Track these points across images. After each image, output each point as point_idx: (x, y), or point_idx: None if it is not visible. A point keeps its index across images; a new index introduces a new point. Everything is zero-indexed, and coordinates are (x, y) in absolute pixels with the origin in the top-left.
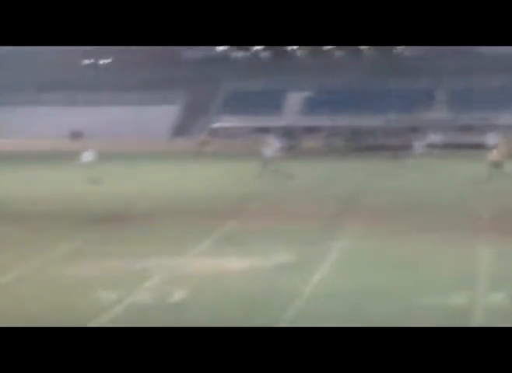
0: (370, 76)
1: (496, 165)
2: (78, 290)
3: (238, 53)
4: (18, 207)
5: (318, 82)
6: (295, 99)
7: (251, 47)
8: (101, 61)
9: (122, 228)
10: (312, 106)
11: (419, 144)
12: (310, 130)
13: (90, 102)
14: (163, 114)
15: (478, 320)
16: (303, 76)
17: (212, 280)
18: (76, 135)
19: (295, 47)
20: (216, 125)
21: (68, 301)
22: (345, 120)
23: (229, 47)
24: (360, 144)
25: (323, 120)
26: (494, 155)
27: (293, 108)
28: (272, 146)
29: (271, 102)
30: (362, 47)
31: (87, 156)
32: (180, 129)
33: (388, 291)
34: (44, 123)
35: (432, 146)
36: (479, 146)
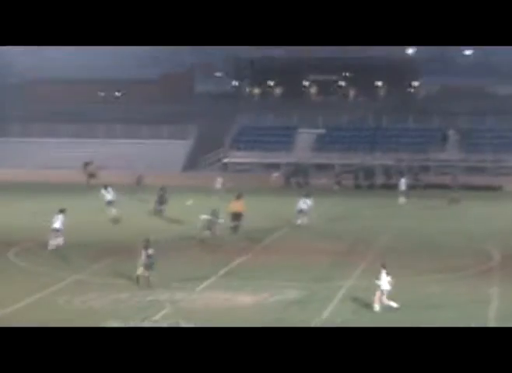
0: (383, 115)
1: None
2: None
3: (251, 88)
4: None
5: (330, 120)
6: (306, 136)
7: (264, 83)
8: (116, 93)
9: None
10: (323, 143)
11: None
12: (321, 168)
13: (103, 135)
14: (175, 148)
15: None
16: (315, 113)
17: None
18: (88, 167)
19: (307, 84)
20: (226, 160)
21: None
22: (356, 159)
23: (241, 82)
24: (371, 182)
25: (334, 158)
26: None
27: (304, 145)
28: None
29: (282, 138)
30: (375, 86)
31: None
32: (191, 163)
33: None
34: (57, 154)
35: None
36: (489, 188)
